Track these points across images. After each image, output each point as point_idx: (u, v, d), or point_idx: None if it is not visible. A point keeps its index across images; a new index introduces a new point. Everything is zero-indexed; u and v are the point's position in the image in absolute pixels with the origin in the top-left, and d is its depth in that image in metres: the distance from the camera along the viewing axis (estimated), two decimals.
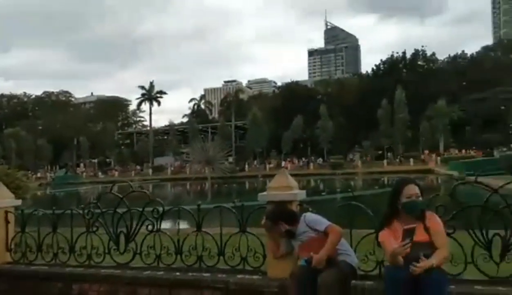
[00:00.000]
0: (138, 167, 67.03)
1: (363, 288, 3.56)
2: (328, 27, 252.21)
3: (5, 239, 5.31)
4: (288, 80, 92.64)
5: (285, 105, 70.17)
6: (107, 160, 76.39)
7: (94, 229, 4.90)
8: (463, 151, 51.06)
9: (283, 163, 60.17)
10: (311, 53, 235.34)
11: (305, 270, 3.34)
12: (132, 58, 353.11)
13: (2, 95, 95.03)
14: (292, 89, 77.79)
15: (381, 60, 75.55)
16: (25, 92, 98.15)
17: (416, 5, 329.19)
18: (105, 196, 5.81)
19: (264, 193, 4.11)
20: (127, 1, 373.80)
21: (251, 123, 63.98)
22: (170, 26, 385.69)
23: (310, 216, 3.57)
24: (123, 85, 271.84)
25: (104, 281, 4.62)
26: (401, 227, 3.09)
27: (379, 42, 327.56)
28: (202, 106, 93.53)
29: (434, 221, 3.09)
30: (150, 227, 4.62)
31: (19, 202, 5.56)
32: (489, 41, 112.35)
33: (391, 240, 3.08)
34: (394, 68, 71.45)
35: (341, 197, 22.56)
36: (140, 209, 4.68)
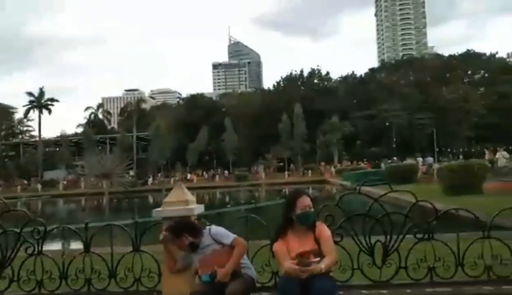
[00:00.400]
0: (25, 182, 60.41)
1: None
2: (232, 42, 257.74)
3: None
4: (192, 91, 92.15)
5: (189, 117, 69.71)
6: None
7: None
8: (355, 163, 55.68)
9: (188, 176, 59.38)
10: (215, 66, 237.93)
11: (208, 287, 3.22)
12: (19, 62, 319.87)
13: None
14: (197, 101, 77.72)
15: (281, 77, 79.69)
16: None
17: (313, 27, 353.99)
18: None
19: (159, 208, 3.94)
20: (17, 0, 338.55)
21: (154, 135, 62.04)
22: (64, 28, 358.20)
23: (215, 229, 3.48)
24: (8, 91, 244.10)
25: None
26: (294, 237, 3.19)
27: (279, 59, 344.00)
28: (100, 115, 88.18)
29: (323, 230, 3.24)
30: (30, 250, 4.13)
31: None
32: (375, 63, 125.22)
33: (285, 250, 3.16)
34: (293, 85, 75.77)
35: (245, 208, 22.85)
36: (18, 230, 4.16)
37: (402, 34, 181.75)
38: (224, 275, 3.20)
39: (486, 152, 41.73)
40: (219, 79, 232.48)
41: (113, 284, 3.99)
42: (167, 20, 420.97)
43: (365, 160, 56.71)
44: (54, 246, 4.34)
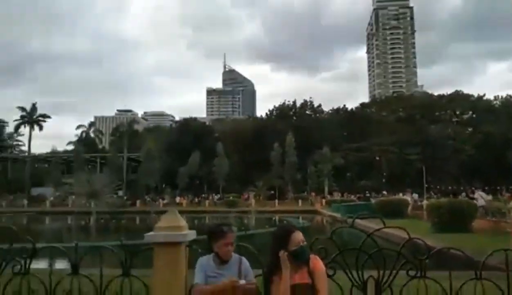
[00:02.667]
0: (11, 197, 59.30)
1: None
2: (227, 69, 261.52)
3: None
4: (186, 115, 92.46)
5: (182, 141, 69.71)
6: None
7: None
8: (345, 194, 55.68)
9: (177, 199, 58.81)
10: (210, 92, 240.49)
11: None
12: (15, 77, 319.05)
13: None
14: (190, 125, 77.91)
15: (274, 106, 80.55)
16: None
17: (306, 61, 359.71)
18: None
19: (151, 233, 3.87)
20: (13, 16, 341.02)
21: (145, 156, 61.75)
22: (62, 48, 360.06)
23: (246, 262, 3.37)
24: (1, 105, 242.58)
25: None
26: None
27: (273, 89, 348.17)
28: (91, 134, 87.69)
29: (318, 264, 3.20)
30: (17, 269, 4.02)
31: None
32: (366, 99, 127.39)
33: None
34: (285, 115, 76.55)
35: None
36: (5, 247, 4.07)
37: (393, 72, 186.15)
38: None
39: (474, 190, 42.22)
40: (212, 105, 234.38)
41: None
42: (165, 44, 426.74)
43: (357, 194, 56.20)
44: (41, 265, 4.17)
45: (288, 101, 79.97)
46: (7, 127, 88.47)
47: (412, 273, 3.73)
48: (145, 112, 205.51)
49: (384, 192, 51.28)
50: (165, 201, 56.23)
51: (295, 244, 3.12)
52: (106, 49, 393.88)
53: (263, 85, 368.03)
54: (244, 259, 3.42)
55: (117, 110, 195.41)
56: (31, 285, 3.96)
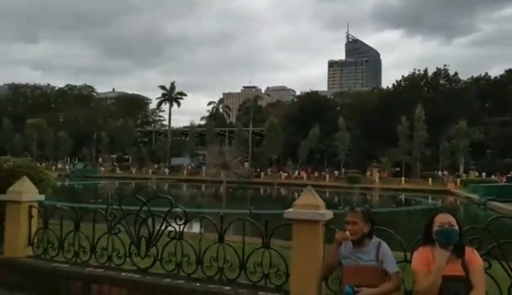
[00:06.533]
0: (156, 166, 67.71)
1: None
2: (350, 40, 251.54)
3: (27, 233, 5.39)
4: (307, 89, 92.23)
5: (303, 114, 70.05)
6: (125, 156, 77.38)
7: (116, 231, 4.91)
8: (483, 174, 49.75)
9: (296, 172, 59.82)
10: (331, 64, 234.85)
11: None
12: (155, 58, 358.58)
13: (27, 85, 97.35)
14: (311, 99, 77.53)
15: (402, 76, 74.59)
16: (48, 84, 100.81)
17: (441, 24, 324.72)
18: (126, 194, 5.85)
19: (290, 209, 4.00)
20: (153, 2, 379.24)
21: (269, 130, 63.92)
22: (194, 29, 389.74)
23: (386, 247, 3.28)
24: (145, 83, 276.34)
25: (123, 284, 4.60)
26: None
27: (401, 58, 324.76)
28: (221, 110, 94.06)
29: (474, 257, 2.94)
30: (172, 234, 4.60)
31: (42, 197, 5.68)
32: None
33: (426, 271, 2.94)
34: (415, 85, 70.19)
35: None
36: (163, 214, 4.68)
37: None
38: None
39: None
40: (334, 77, 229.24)
41: (242, 276, 4.21)
42: (286, 19, 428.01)
43: (498, 172, 49.60)
44: (186, 228, 4.70)
45: (419, 70, 73.41)
46: (150, 104, 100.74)
47: None
48: (267, 88, 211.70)
49: None
50: (286, 174, 57.77)
51: (437, 225, 2.93)
52: (232, 29, 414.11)
53: (390, 55, 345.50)
54: (383, 244, 3.32)
55: (243, 86, 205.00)
56: (184, 249, 4.49)
